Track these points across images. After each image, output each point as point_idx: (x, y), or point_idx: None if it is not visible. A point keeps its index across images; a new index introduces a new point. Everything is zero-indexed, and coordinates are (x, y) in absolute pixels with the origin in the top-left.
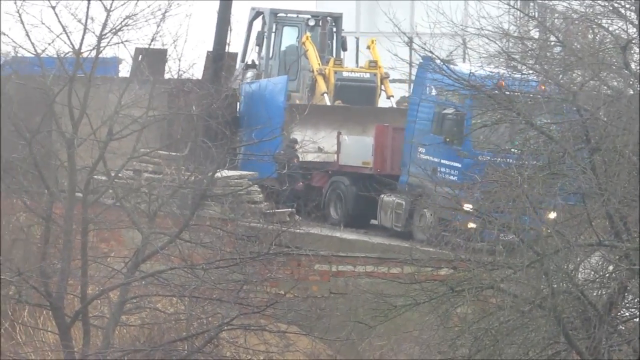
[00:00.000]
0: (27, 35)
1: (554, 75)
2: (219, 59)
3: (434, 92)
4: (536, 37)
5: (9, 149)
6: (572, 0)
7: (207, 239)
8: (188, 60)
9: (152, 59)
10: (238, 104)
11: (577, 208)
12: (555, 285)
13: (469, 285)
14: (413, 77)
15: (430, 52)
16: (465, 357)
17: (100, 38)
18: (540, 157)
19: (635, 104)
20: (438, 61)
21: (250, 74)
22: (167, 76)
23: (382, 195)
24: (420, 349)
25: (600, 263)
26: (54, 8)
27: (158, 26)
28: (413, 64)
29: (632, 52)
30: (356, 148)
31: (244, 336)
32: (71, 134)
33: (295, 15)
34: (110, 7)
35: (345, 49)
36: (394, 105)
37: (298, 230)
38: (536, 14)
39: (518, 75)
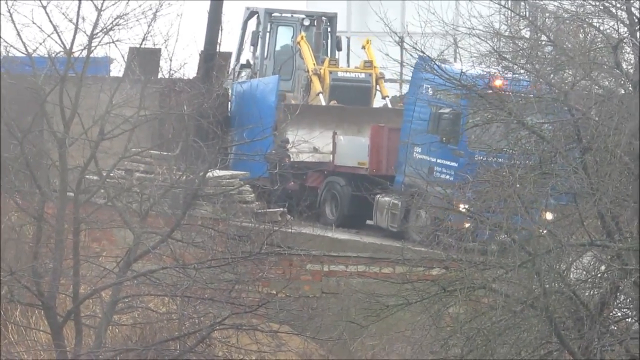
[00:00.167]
0: (18, 34)
1: (545, 74)
2: (210, 59)
3: (430, 92)
4: (527, 36)
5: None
6: None
7: (199, 238)
8: (179, 60)
9: (146, 59)
10: (229, 103)
11: (568, 208)
12: (547, 285)
13: (461, 285)
14: (404, 77)
15: (422, 51)
16: (457, 357)
17: (91, 37)
18: (531, 157)
19: (627, 104)
20: (431, 61)
21: (245, 73)
22: (159, 76)
23: (377, 196)
24: (412, 348)
25: (592, 263)
26: (45, 7)
27: (149, 26)
28: (404, 64)
29: (623, 51)
30: (352, 148)
31: (236, 336)
32: (63, 134)
33: (289, 15)
34: (101, 6)
35: (340, 49)
36: (389, 106)
37: (290, 230)
38: (527, 13)
39: (509, 75)
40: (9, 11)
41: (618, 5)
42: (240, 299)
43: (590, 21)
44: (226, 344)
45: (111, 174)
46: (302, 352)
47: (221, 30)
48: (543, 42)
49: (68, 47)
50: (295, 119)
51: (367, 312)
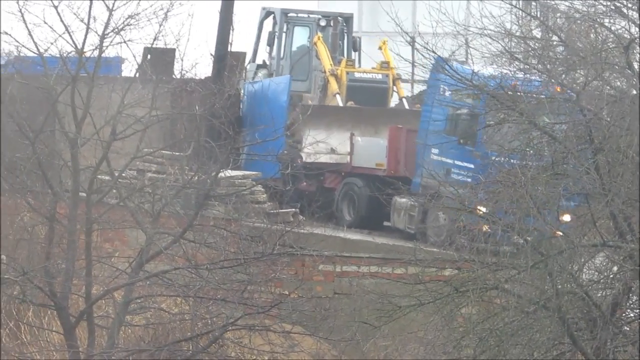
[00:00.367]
0: (30, 34)
1: (557, 75)
2: (222, 59)
3: (447, 94)
4: (539, 36)
5: (12, 148)
6: None
7: (211, 239)
8: (191, 60)
9: (161, 58)
10: (241, 103)
11: (581, 209)
12: (559, 286)
13: (473, 285)
14: (416, 77)
15: (433, 51)
16: (470, 358)
17: (102, 37)
18: (543, 158)
19: (638, 104)
20: (445, 61)
21: (261, 74)
22: (174, 75)
23: (395, 197)
24: (424, 349)
25: (604, 264)
26: (56, 7)
27: (160, 26)
28: (415, 64)
29: (634, 51)
30: (369, 149)
31: (249, 336)
32: (74, 134)
33: (306, 15)
34: (113, 6)
35: (356, 50)
36: (406, 106)
37: (302, 231)
38: (538, 13)
39: (521, 75)
40: (20, 11)
41: (629, 5)
42: (253, 300)
43: (601, 21)
44: (239, 344)
45: (123, 174)
46: (315, 353)
47: (232, 30)
48: (554, 43)
49: (79, 47)
50: (313, 120)
51: (379, 312)
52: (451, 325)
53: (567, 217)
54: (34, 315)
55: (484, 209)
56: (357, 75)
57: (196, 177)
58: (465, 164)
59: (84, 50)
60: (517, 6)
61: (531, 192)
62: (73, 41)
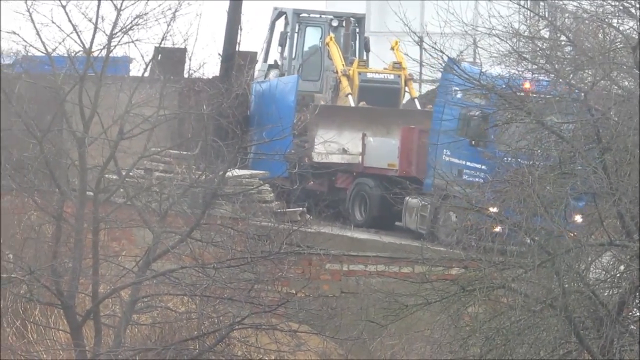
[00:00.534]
0: (38, 34)
1: (565, 74)
2: (229, 58)
3: (458, 95)
4: (547, 36)
5: (20, 147)
6: None
7: (218, 238)
8: (199, 60)
9: (171, 58)
10: (249, 103)
11: (588, 208)
12: (566, 285)
13: (480, 284)
14: (424, 77)
15: (441, 51)
16: (476, 357)
17: (110, 37)
18: (551, 157)
19: None
20: (453, 61)
21: (273, 74)
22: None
23: (407, 198)
24: (431, 348)
25: (611, 263)
26: (64, 7)
27: (168, 25)
28: (423, 64)
29: None
30: (381, 150)
31: (255, 335)
32: (82, 133)
33: (318, 16)
34: (121, 6)
35: (368, 50)
36: (419, 107)
37: (309, 230)
38: (546, 13)
39: (529, 75)
40: (28, 11)
41: (638, 5)
42: (260, 299)
43: (609, 21)
44: (245, 343)
45: (130, 174)
46: (322, 352)
47: (240, 29)
48: (562, 42)
49: (87, 46)
50: (325, 120)
51: (386, 311)
52: (458, 324)
53: (578, 218)
54: (41, 314)
55: (494, 210)
56: (369, 75)
57: (203, 176)
58: (477, 165)
59: (92, 49)
60: (525, 6)
61: (538, 191)
62: (81, 41)
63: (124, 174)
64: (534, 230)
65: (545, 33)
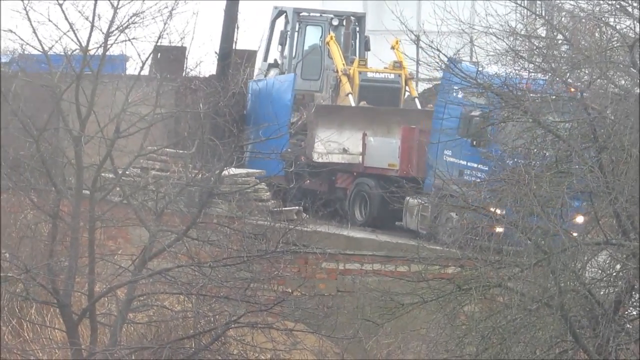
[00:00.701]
0: (34, 32)
1: (562, 73)
2: (226, 57)
3: (459, 95)
4: (543, 35)
5: (16, 146)
6: None
7: (215, 236)
8: (195, 58)
9: (171, 56)
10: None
11: (584, 207)
12: (562, 284)
13: (476, 283)
14: (421, 76)
15: (438, 50)
16: (472, 356)
17: (107, 35)
18: (547, 156)
19: None
20: (450, 60)
21: (273, 72)
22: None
23: (407, 198)
24: (427, 347)
25: (607, 262)
26: (61, 5)
27: (165, 24)
28: (420, 62)
29: (639, 50)
30: (382, 149)
31: (251, 334)
32: (78, 132)
33: (318, 15)
34: (118, 4)
35: (368, 49)
36: (419, 106)
37: (305, 229)
38: (543, 12)
39: (526, 74)
40: (25, 9)
41: (634, 4)
42: (256, 297)
43: (606, 20)
44: (241, 342)
45: (127, 172)
46: (318, 351)
47: (237, 28)
48: (559, 41)
49: (84, 45)
50: (325, 120)
51: (382, 310)
52: (454, 323)
53: (580, 219)
54: (37, 313)
55: (496, 209)
56: (369, 75)
57: (200, 175)
58: (478, 165)
59: (89, 48)
60: (522, 5)
61: (535, 190)
62: (77, 39)
63: (120, 172)
64: (530, 229)
65: (542, 32)
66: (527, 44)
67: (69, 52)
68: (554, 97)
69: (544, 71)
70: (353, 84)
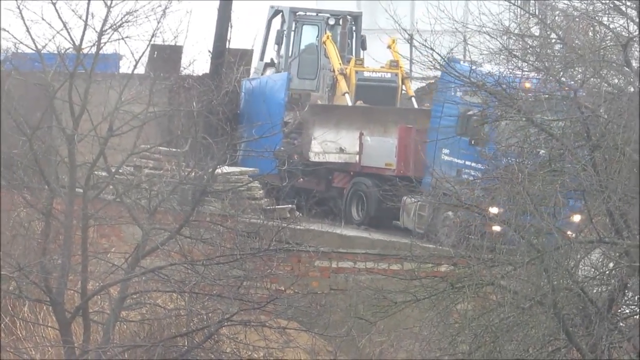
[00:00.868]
0: (28, 31)
1: (555, 72)
2: (219, 56)
3: (458, 94)
4: (537, 34)
5: (9, 144)
6: None
7: (208, 235)
8: (189, 57)
9: (168, 55)
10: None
11: (578, 205)
12: (555, 282)
13: (469, 281)
14: (414, 75)
15: (432, 49)
16: (465, 354)
17: (100, 34)
18: (540, 154)
19: (636, 102)
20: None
21: (269, 72)
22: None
23: (404, 197)
24: (420, 345)
25: (600, 260)
26: (54, 4)
27: (158, 22)
28: (413, 61)
29: (633, 49)
30: (378, 149)
31: (244, 332)
32: (72, 130)
33: (314, 14)
34: (111, 3)
35: (364, 48)
36: (416, 106)
37: (298, 227)
38: (537, 11)
39: (519, 73)
40: (18, 8)
41: (628, 3)
42: (249, 296)
43: (600, 19)
44: (234, 340)
45: (120, 170)
46: (310, 349)
47: (231, 27)
48: (553, 40)
49: (77, 43)
50: (321, 119)
51: (375, 308)
52: (447, 321)
53: (577, 218)
54: (30, 311)
55: (494, 209)
56: (366, 74)
57: (193, 173)
58: (475, 164)
59: (82, 46)
60: (516, 4)
61: (528, 188)
62: (71, 38)
63: (113, 170)
64: (523, 228)
65: (535, 31)
66: (520, 43)
67: (63, 51)
68: (547, 95)
69: (538, 70)
70: (350, 83)
